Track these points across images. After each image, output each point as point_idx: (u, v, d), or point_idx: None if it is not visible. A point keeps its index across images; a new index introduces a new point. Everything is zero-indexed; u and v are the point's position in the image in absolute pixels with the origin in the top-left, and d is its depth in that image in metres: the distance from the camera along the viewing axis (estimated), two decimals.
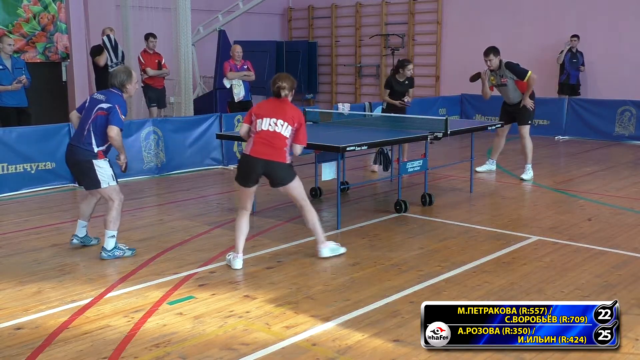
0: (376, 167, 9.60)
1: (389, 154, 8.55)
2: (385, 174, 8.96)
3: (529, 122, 9.35)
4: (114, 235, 5.87)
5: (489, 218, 7.35)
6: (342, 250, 5.97)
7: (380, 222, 7.14)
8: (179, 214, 7.51)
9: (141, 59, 11.56)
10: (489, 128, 9.06)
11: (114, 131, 5.70)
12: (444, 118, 7.80)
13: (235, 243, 5.66)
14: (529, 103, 9.19)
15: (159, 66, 11.67)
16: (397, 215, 7.39)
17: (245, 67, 11.33)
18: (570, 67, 13.89)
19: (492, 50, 9.12)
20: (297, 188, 5.69)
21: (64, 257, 6.00)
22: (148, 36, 11.67)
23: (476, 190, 8.64)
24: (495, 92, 9.61)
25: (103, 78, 10.73)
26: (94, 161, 5.79)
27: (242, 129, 5.87)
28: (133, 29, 12.96)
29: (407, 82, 9.66)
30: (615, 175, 9.64)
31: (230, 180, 9.87)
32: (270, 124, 5.57)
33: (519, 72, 9.06)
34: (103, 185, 5.84)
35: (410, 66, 9.67)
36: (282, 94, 5.63)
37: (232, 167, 10.54)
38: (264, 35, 18.43)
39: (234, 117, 10.89)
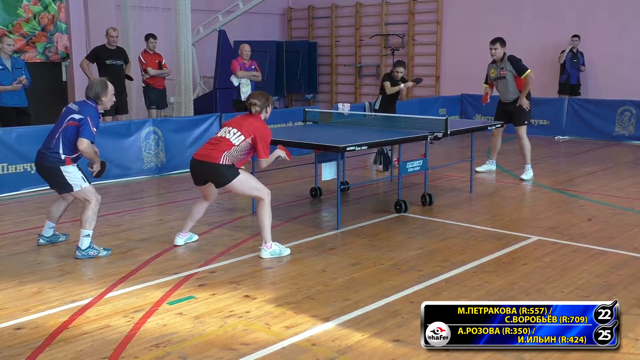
0: (381, 167, 9.67)
1: (389, 154, 8.55)
2: (385, 174, 8.95)
3: (525, 122, 9.36)
4: (88, 235, 5.90)
5: (489, 218, 7.35)
6: (286, 252, 6.00)
7: (380, 222, 7.14)
8: (179, 214, 7.51)
9: (142, 59, 11.56)
10: (489, 128, 9.06)
11: (83, 144, 5.79)
12: (444, 118, 7.80)
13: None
14: (525, 103, 9.20)
15: (160, 66, 11.66)
16: (397, 215, 7.38)
17: (253, 67, 11.36)
18: (571, 67, 13.89)
19: (499, 40, 9.21)
20: (243, 184, 5.91)
21: (64, 257, 6.00)
22: (148, 37, 11.66)
23: (476, 190, 8.64)
24: (495, 93, 9.62)
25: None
26: (61, 167, 5.87)
27: None
28: (133, 29, 12.97)
29: (400, 82, 9.83)
30: (615, 175, 9.63)
31: None
32: (224, 132, 5.96)
33: (519, 68, 9.10)
34: (75, 188, 5.92)
35: (400, 69, 9.79)
36: (253, 110, 6.06)
37: None
38: (264, 35, 18.43)
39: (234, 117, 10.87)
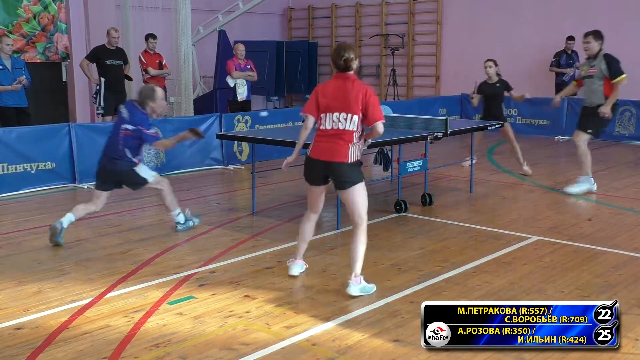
0: (466, 164, 9.42)
1: (389, 154, 8.55)
2: (385, 174, 8.95)
3: (589, 130, 8.25)
4: (179, 212, 6.72)
5: (489, 218, 7.35)
6: (373, 289, 5.08)
7: (380, 222, 7.13)
8: None
9: (142, 59, 11.56)
10: (489, 128, 9.05)
11: (159, 145, 6.73)
12: (444, 118, 7.80)
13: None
14: (607, 112, 8.02)
15: (160, 66, 11.67)
16: (397, 215, 7.38)
17: (249, 67, 11.34)
18: (567, 67, 13.85)
19: (592, 34, 8.13)
20: (361, 195, 5.16)
21: (64, 257, 6.01)
22: (148, 37, 11.67)
23: (476, 190, 8.64)
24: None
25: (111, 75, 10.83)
26: (134, 168, 6.47)
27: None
28: (133, 29, 12.96)
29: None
30: (615, 175, 9.63)
31: (230, 181, 9.88)
32: (330, 122, 5.02)
33: (614, 69, 8.00)
34: (150, 179, 6.54)
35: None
36: (352, 66, 4.97)
37: (232, 167, 10.55)
38: (264, 35, 18.43)
39: (234, 117, 10.88)
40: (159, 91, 6.44)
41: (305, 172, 5.19)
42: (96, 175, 6.57)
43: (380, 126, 4.97)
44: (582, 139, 8.32)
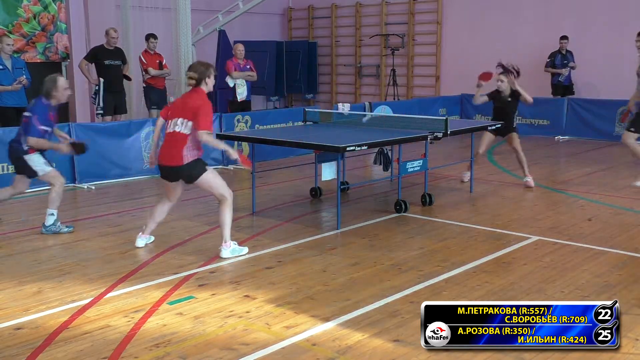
0: (466, 177, 9.10)
1: (389, 154, 8.55)
2: (385, 174, 8.95)
3: (633, 129, 8.37)
4: (52, 214, 6.64)
5: (489, 218, 7.35)
6: (244, 250, 6.00)
7: (380, 222, 7.14)
8: (179, 214, 7.50)
9: (142, 59, 11.55)
10: (489, 128, 9.04)
11: (30, 142, 6.45)
12: (444, 118, 7.80)
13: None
14: None
15: (160, 66, 11.66)
16: (397, 215, 7.39)
17: (248, 66, 11.33)
18: (562, 68, 13.85)
19: None
20: (209, 181, 5.84)
21: (64, 257, 6.01)
22: (149, 37, 11.66)
23: (476, 190, 8.64)
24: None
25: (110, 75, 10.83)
26: (24, 156, 6.52)
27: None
28: (133, 29, 12.96)
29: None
30: (615, 175, 9.63)
31: (230, 181, 9.86)
32: (173, 125, 5.78)
33: None
34: (40, 173, 6.59)
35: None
36: (190, 84, 5.79)
37: (232, 167, 10.55)
38: (264, 35, 18.43)
39: (234, 117, 10.88)
40: (61, 80, 6.66)
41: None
42: None
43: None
44: (631, 137, 8.47)
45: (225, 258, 5.85)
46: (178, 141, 5.67)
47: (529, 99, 8.76)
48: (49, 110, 6.60)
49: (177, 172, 5.77)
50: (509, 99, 8.79)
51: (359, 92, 18.38)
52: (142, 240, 6.24)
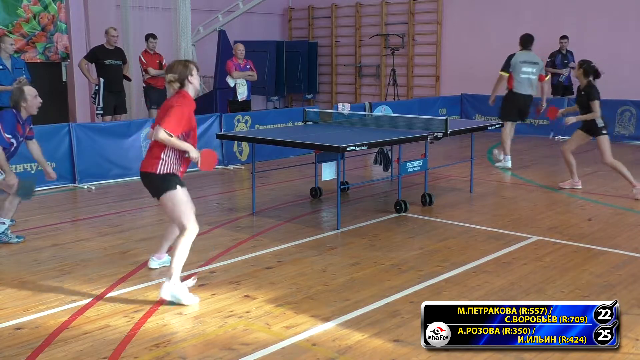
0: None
1: (389, 154, 8.55)
2: (385, 174, 8.96)
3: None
4: (3, 222, 6.44)
5: (489, 218, 7.35)
6: (191, 300, 4.86)
7: (380, 222, 7.14)
8: None
9: (142, 59, 11.55)
10: (489, 128, 9.05)
11: None
12: (444, 118, 7.80)
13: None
14: None
15: (160, 66, 11.64)
16: (397, 215, 7.39)
17: (248, 66, 11.32)
18: (562, 68, 13.84)
19: None
20: (174, 203, 4.97)
21: (64, 257, 6.01)
22: (148, 37, 11.66)
23: (476, 190, 8.64)
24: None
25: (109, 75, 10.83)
26: None
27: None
28: (133, 29, 12.96)
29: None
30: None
31: (230, 181, 9.87)
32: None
33: None
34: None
35: None
36: (171, 88, 5.07)
37: (232, 167, 10.55)
38: (264, 35, 18.43)
39: (234, 117, 10.88)
40: (28, 89, 6.46)
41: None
42: None
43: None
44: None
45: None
46: (155, 148, 4.97)
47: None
48: (17, 120, 6.40)
49: (148, 179, 5.01)
50: (582, 92, 8.28)
51: (359, 92, 18.38)
52: (155, 262, 5.62)
